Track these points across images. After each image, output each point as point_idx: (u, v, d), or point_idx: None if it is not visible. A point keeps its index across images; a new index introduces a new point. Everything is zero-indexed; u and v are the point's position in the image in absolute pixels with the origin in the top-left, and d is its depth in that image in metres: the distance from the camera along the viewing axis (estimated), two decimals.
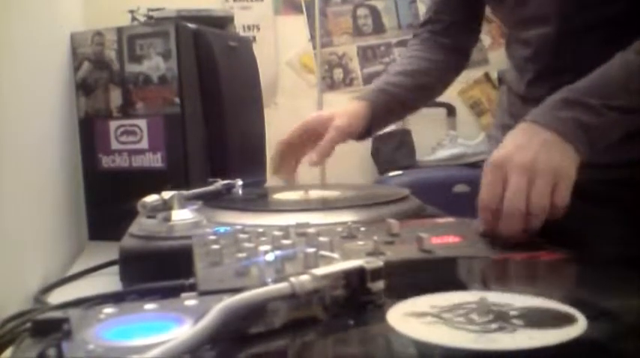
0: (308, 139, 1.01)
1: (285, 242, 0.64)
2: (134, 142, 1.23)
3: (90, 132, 1.28)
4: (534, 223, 0.65)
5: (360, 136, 1.05)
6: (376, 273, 0.45)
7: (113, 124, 1.25)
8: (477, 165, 2.48)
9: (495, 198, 0.66)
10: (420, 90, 1.11)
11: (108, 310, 0.45)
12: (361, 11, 2.88)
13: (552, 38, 0.90)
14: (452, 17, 1.10)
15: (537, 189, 0.65)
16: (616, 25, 0.84)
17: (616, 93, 0.72)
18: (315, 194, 1.00)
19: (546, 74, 0.93)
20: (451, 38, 1.11)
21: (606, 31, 0.85)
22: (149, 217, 0.83)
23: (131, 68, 1.23)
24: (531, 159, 0.67)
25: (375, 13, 2.88)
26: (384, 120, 1.08)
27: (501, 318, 0.41)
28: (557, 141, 0.69)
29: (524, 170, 0.66)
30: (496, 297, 0.45)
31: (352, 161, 2.76)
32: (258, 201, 1.02)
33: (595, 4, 0.84)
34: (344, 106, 1.04)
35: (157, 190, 0.84)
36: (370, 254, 0.61)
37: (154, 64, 1.22)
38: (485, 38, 2.73)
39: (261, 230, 0.70)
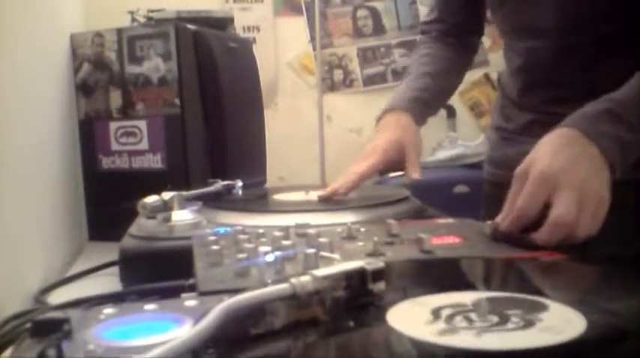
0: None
1: (285, 243, 0.64)
2: (134, 143, 1.23)
3: (90, 134, 1.28)
4: (568, 241, 0.65)
5: None
6: (377, 274, 0.45)
7: (113, 125, 1.25)
8: (476, 166, 2.47)
9: (536, 207, 0.66)
10: (444, 93, 1.13)
11: (108, 310, 0.45)
12: (361, 12, 2.87)
13: (545, 52, 0.90)
14: (455, 19, 1.13)
15: (586, 213, 0.65)
16: (608, 43, 0.85)
17: None
18: (315, 195, 1.00)
19: (537, 86, 0.94)
20: (459, 38, 1.13)
21: (599, 48, 0.85)
22: (149, 218, 0.83)
23: (131, 69, 1.23)
24: (582, 180, 0.66)
25: (375, 14, 2.88)
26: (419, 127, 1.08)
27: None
28: (601, 161, 0.68)
29: (576, 190, 0.65)
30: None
31: (353, 162, 2.76)
32: (258, 201, 1.02)
33: (591, 21, 0.85)
34: (395, 123, 1.01)
35: (157, 191, 0.84)
36: (370, 255, 0.61)
37: (154, 65, 1.22)
38: (485, 39, 2.71)
39: (261, 231, 0.70)
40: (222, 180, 1.00)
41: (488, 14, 1.07)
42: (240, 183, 1.01)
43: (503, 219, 0.68)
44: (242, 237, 0.68)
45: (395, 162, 0.98)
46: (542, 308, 0.44)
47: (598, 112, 0.72)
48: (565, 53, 0.88)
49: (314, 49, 2.84)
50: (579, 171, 0.67)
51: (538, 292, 0.48)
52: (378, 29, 2.88)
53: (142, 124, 1.23)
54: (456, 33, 1.13)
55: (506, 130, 1.02)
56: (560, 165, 0.67)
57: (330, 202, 0.91)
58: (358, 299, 0.45)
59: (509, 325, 0.40)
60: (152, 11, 1.42)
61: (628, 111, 0.71)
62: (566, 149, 0.69)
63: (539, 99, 0.94)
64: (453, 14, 1.12)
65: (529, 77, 0.95)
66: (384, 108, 1.05)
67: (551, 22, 0.88)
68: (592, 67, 0.86)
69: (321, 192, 0.94)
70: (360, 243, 0.66)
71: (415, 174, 0.96)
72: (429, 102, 1.06)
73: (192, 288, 0.55)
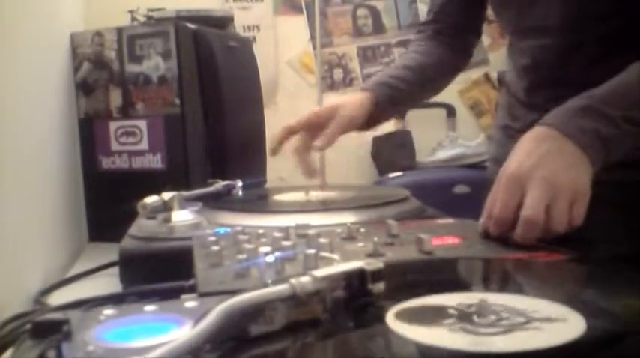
0: (313, 129, 1.01)
1: (285, 243, 0.64)
2: (134, 143, 1.23)
3: (90, 133, 1.28)
4: (549, 235, 0.65)
5: (362, 127, 1.05)
6: (376, 275, 0.45)
7: (113, 125, 1.25)
8: (477, 166, 2.47)
9: (510, 210, 0.66)
10: (423, 85, 1.12)
11: (108, 311, 0.45)
12: (361, 11, 2.87)
13: (550, 50, 0.90)
14: (453, 19, 1.12)
15: (558, 206, 0.65)
16: (615, 39, 0.84)
17: (635, 105, 0.71)
18: (315, 195, 1.00)
19: (543, 85, 0.94)
20: (453, 38, 1.13)
21: (605, 45, 0.85)
22: (149, 218, 0.83)
23: (131, 68, 1.23)
24: (554, 174, 0.66)
25: (375, 13, 2.88)
26: (386, 113, 1.07)
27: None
28: (577, 155, 0.68)
29: (546, 185, 0.65)
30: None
31: (352, 162, 2.76)
32: (258, 202, 1.02)
33: (597, 18, 0.84)
34: (348, 96, 1.05)
35: (157, 191, 0.84)
36: (370, 255, 0.61)
37: (154, 65, 1.22)
38: (485, 38, 2.73)
39: (261, 231, 0.70)
40: (222, 180, 1.00)
41: (489, 13, 1.07)
42: (240, 184, 1.01)
43: (484, 223, 0.69)
44: (242, 237, 0.68)
45: (318, 124, 1.00)
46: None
47: (576, 108, 0.72)
48: (571, 51, 0.88)
49: (314, 48, 2.84)
50: (551, 165, 0.67)
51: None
52: (378, 28, 2.88)
53: (142, 124, 1.23)
54: (453, 33, 1.12)
55: (513, 129, 1.02)
56: (531, 163, 0.67)
57: (311, 205, 0.92)
58: (358, 300, 0.45)
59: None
60: (152, 10, 1.42)
61: (608, 106, 0.71)
62: (541, 146, 0.69)
63: (545, 98, 0.94)
64: (451, 14, 1.12)
65: (535, 76, 0.95)
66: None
67: (557, 20, 0.87)
68: (598, 65, 0.86)
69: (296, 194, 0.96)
70: (360, 244, 0.66)
71: (319, 144, 0.97)
72: (398, 88, 1.06)
73: (192, 289, 0.56)
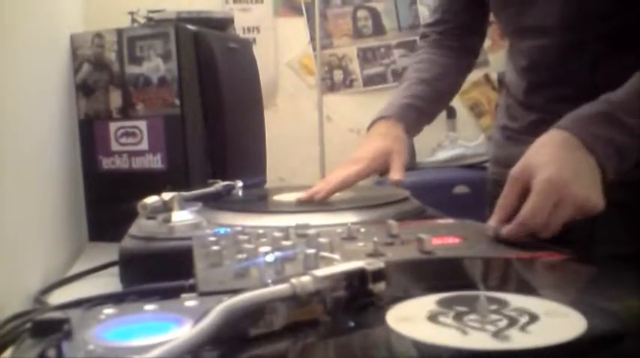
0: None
1: (285, 243, 0.64)
2: (134, 144, 1.23)
3: (90, 134, 1.28)
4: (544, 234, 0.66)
5: None
6: (377, 275, 0.45)
7: (113, 126, 1.25)
8: (476, 167, 2.47)
9: (544, 215, 0.66)
10: (441, 100, 1.12)
11: (108, 311, 0.45)
12: (361, 13, 2.87)
13: (549, 51, 0.90)
14: (457, 19, 1.11)
15: (560, 213, 0.65)
16: (615, 39, 0.84)
17: None
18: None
19: (542, 85, 0.94)
20: (458, 40, 1.12)
21: (605, 45, 0.85)
22: (149, 218, 0.83)
23: (131, 70, 1.23)
24: (586, 192, 0.66)
25: (375, 15, 2.88)
26: (412, 135, 1.08)
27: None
28: (595, 165, 0.68)
29: (576, 204, 0.66)
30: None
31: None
32: (258, 202, 1.02)
33: (597, 17, 0.84)
34: (384, 135, 1.01)
35: (157, 191, 0.84)
36: (370, 255, 0.61)
37: (154, 66, 1.22)
38: (485, 40, 2.73)
39: (261, 231, 0.70)
40: (222, 180, 1.00)
41: (491, 15, 1.06)
42: (240, 184, 1.01)
43: (497, 221, 0.69)
44: (242, 237, 0.68)
45: (380, 170, 0.99)
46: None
47: (593, 114, 0.71)
48: (570, 51, 0.88)
49: (314, 49, 2.84)
50: (583, 181, 0.67)
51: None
52: (378, 30, 2.88)
53: (142, 125, 1.23)
54: (458, 34, 1.11)
55: (512, 130, 1.02)
56: (567, 175, 0.67)
57: (311, 205, 0.91)
58: (358, 300, 0.45)
59: (509, 325, 0.40)
60: (152, 12, 1.42)
61: (624, 113, 0.71)
62: (568, 156, 0.69)
63: (544, 98, 0.94)
64: (456, 14, 1.11)
65: (535, 76, 0.95)
66: (377, 114, 1.05)
67: (557, 20, 0.87)
68: (597, 66, 0.86)
69: (300, 195, 0.93)
70: (360, 244, 0.66)
71: (397, 177, 0.96)
72: (423, 109, 1.06)
73: (192, 289, 0.55)
